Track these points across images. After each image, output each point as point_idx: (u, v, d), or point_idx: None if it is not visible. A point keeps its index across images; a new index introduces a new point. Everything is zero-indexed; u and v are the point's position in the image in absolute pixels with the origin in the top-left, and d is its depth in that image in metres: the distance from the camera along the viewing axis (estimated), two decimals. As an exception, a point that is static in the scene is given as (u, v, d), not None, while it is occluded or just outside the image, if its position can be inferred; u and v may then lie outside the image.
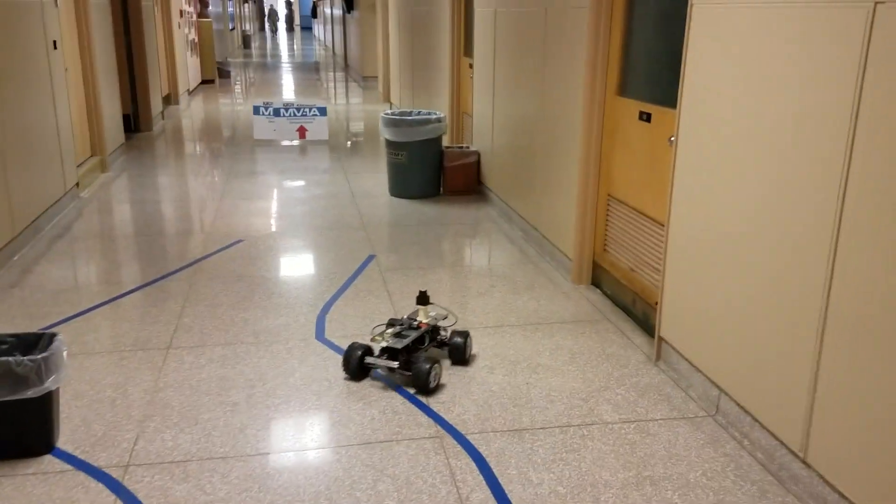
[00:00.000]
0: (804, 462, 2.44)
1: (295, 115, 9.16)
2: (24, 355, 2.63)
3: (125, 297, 4.18)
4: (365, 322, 3.85)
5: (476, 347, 3.55)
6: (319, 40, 33.78)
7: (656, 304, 3.46)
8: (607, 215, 4.21)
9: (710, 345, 2.95)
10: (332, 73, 19.34)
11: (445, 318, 3.56)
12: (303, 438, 2.80)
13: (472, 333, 3.51)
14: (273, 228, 5.54)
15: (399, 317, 3.54)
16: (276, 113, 9.12)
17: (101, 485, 2.53)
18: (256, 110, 9.12)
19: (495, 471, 2.59)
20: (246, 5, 34.78)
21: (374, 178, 7.29)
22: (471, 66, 6.84)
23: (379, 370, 3.27)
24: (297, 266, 4.76)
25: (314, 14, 33.53)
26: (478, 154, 6.56)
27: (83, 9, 6.84)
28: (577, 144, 4.26)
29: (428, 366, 3.07)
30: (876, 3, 2.08)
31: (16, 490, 2.50)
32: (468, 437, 2.78)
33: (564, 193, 4.50)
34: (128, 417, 2.94)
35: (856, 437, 2.21)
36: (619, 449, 2.72)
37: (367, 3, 14.86)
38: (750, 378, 2.70)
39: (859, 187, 2.15)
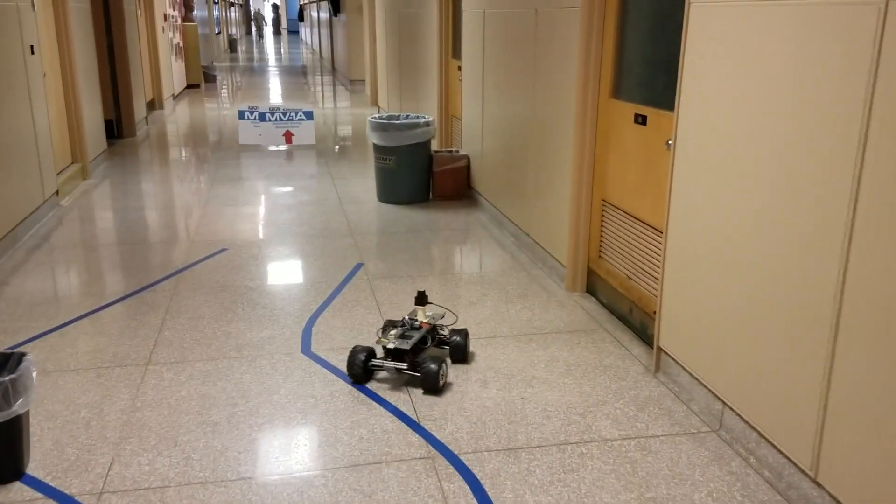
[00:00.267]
0: (815, 481, 2.32)
1: (281, 119, 9.01)
2: (-10, 377, 2.48)
3: (104, 310, 4.03)
4: (353, 333, 3.72)
5: (468, 360, 3.42)
6: (307, 44, 33.61)
7: (654, 313, 3.35)
8: (602, 221, 4.09)
9: (711, 356, 2.84)
10: (319, 77, 19.19)
11: (443, 317, 3.53)
12: (287, 461, 2.66)
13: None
14: (258, 236, 5.40)
15: (396, 319, 3.50)
16: (262, 117, 8.97)
17: (72, 514, 2.38)
18: (241, 115, 8.97)
19: (490, 494, 2.46)
20: (232, 9, 34.56)
21: (362, 183, 7.15)
22: (459, 68, 6.72)
23: (384, 372, 3.22)
24: (283, 275, 4.61)
25: (301, 17, 33.35)
26: (467, 158, 6.44)
27: (62, 13, 6.67)
28: (569, 148, 4.14)
29: (436, 366, 3.07)
30: (888, 0, 1.97)
31: (-19, 522, 2.35)
32: (461, 458, 2.65)
33: (557, 198, 4.39)
34: (103, 440, 2.79)
35: (871, 455, 2.10)
36: (620, 468, 2.60)
37: (353, 6, 14.73)
38: (755, 391, 2.58)
39: (873, 189, 2.04)
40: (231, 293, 4.28)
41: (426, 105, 8.21)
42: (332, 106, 13.43)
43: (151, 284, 4.42)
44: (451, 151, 6.62)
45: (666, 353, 3.18)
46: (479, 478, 2.54)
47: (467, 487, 2.49)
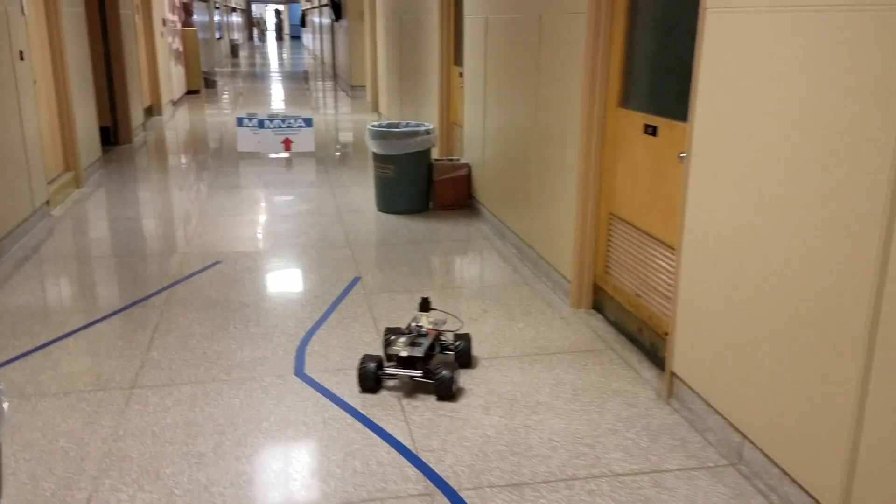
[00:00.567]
0: (844, 524, 2.15)
1: (280, 126, 8.85)
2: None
3: (91, 327, 3.86)
4: (348, 353, 3.55)
5: (469, 382, 3.25)
6: (308, 49, 33.51)
7: (666, 333, 3.17)
8: (609, 235, 3.92)
9: (729, 384, 2.66)
10: (320, 83, 19.05)
11: (445, 322, 3.52)
12: (275, 497, 2.48)
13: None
14: (254, 247, 5.23)
15: (395, 326, 3.49)
16: (261, 124, 8.81)
17: (42, 558, 2.22)
18: (240, 122, 8.81)
19: (493, 535, 2.29)
20: (234, 14, 34.47)
21: (362, 191, 6.99)
22: (461, 74, 6.56)
23: (394, 381, 3.23)
24: (277, 290, 4.45)
25: (303, 23, 33.25)
26: (468, 167, 6.27)
27: (54, 18, 6.52)
28: (574, 158, 3.97)
29: (449, 372, 3.07)
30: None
31: (-56, 566, 2.18)
32: (462, 494, 2.48)
33: (561, 210, 4.21)
34: (81, 473, 2.62)
35: (907, 501, 1.92)
36: (632, 506, 2.42)
37: (355, 12, 14.59)
38: (777, 423, 2.41)
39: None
40: (223, 309, 4.11)
41: (427, 112, 8.05)
42: (332, 112, 13.28)
43: (142, 299, 4.26)
44: (451, 160, 6.45)
45: (679, 378, 3.00)
46: (480, 517, 2.37)
47: (468, 528, 2.32)
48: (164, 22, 13.09)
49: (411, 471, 2.61)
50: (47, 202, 6.02)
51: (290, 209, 6.33)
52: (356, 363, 3.43)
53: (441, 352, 3.38)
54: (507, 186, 5.25)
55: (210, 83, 17.30)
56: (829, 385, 2.17)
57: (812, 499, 2.27)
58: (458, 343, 3.37)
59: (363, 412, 3.01)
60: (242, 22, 41.33)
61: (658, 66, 3.35)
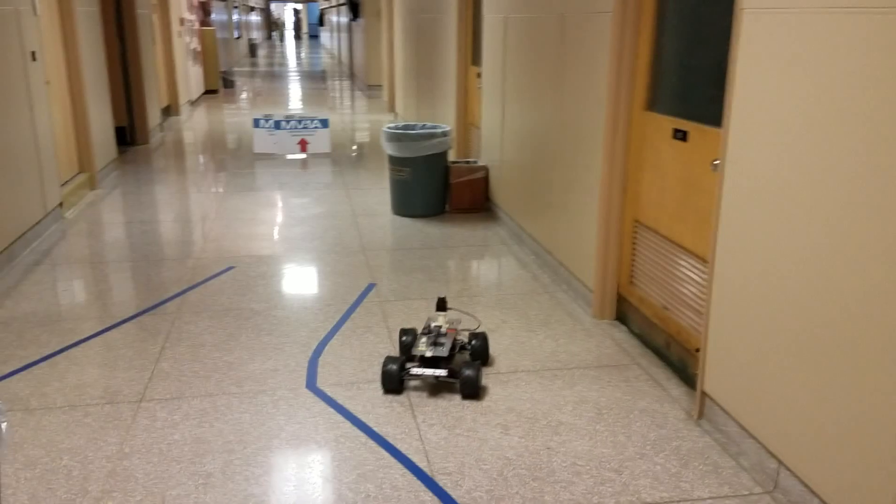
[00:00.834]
0: (894, 565, 1.99)
1: (296, 127, 8.76)
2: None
3: (100, 336, 3.77)
4: (362, 365, 3.43)
5: (487, 399, 3.12)
6: (326, 49, 33.49)
7: (697, 350, 3.02)
8: (634, 243, 3.76)
9: (765, 406, 2.50)
10: (337, 82, 18.98)
11: (460, 321, 3.58)
12: (285, 523, 2.36)
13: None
14: (268, 252, 5.13)
15: (408, 328, 3.55)
16: (277, 125, 8.72)
17: (39, 588, 2.11)
18: (256, 123, 8.73)
19: (514, 569, 2.15)
20: (252, 13, 34.52)
21: (377, 193, 6.87)
22: (479, 75, 6.41)
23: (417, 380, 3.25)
24: (291, 297, 4.33)
25: (321, 22, 33.23)
26: (486, 169, 6.13)
27: (68, 17, 6.45)
28: (598, 163, 3.82)
29: (474, 371, 3.09)
30: None
31: None
32: (481, 523, 2.35)
33: (584, 216, 4.06)
34: (83, 494, 2.52)
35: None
36: (662, 538, 2.28)
37: (372, 11, 14.48)
38: (817, 449, 2.25)
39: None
40: (235, 317, 4.00)
41: (443, 112, 7.92)
42: (349, 112, 13.19)
43: (153, 307, 4.16)
44: (468, 162, 6.31)
45: (711, 398, 2.84)
46: (500, 548, 2.24)
47: (487, 561, 2.19)
48: (182, 21, 13.05)
49: (427, 496, 2.48)
50: (60, 204, 5.96)
51: (305, 212, 6.22)
52: (370, 376, 3.31)
53: (458, 351, 3.39)
54: (526, 190, 5.11)
55: (228, 83, 17.27)
56: (879, 410, 2.01)
57: (858, 535, 2.11)
58: (473, 342, 3.38)
59: (376, 430, 2.88)
60: (261, 21, 41.41)
61: (688, 67, 3.19)
